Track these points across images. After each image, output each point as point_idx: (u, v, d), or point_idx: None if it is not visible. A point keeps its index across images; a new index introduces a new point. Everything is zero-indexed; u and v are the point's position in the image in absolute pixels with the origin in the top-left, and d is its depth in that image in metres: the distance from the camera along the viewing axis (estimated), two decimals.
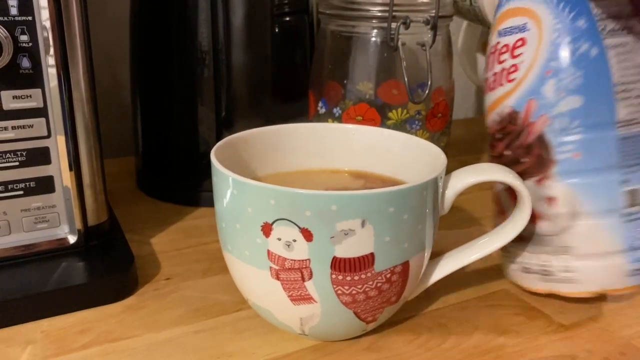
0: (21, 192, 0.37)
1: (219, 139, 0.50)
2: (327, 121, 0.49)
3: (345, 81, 0.48)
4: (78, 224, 0.39)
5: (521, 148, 0.36)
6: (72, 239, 0.39)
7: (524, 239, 0.37)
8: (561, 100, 0.34)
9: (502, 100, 0.37)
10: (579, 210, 0.34)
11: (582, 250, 0.35)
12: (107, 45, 0.61)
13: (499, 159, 0.37)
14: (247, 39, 0.45)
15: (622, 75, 0.34)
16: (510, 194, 0.37)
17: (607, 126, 0.34)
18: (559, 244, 0.35)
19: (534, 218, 0.35)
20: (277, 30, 0.50)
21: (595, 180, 0.34)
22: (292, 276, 0.29)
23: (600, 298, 0.38)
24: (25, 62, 0.35)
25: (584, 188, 0.34)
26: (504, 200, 0.38)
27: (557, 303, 0.38)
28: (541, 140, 0.35)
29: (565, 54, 0.34)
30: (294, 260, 0.29)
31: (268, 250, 0.29)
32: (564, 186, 0.34)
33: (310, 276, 0.29)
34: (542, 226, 0.36)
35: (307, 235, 0.28)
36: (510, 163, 0.36)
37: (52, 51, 0.35)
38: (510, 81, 0.36)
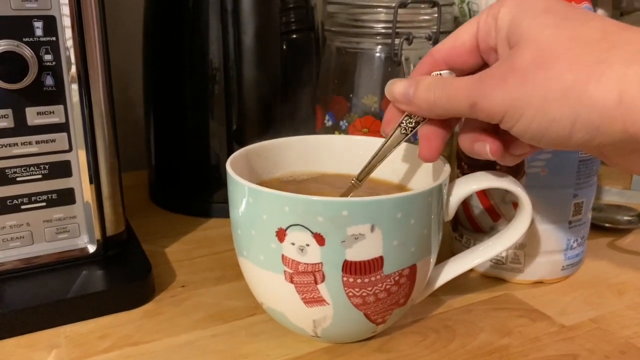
0: (44, 204, 0.39)
1: (230, 152, 0.52)
2: (334, 133, 0.51)
3: (350, 95, 0.50)
4: (97, 234, 0.40)
5: None
6: (91, 249, 0.41)
7: (482, 230, 0.42)
8: None
9: None
10: (535, 216, 0.40)
11: (531, 248, 0.41)
12: (119, 63, 0.63)
13: (472, 160, 0.40)
14: (256, 56, 0.47)
15: None
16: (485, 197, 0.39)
17: (573, 151, 0.38)
18: None
19: (497, 216, 0.41)
20: (284, 47, 0.52)
21: (554, 194, 0.40)
22: (306, 279, 0.31)
23: (537, 284, 0.42)
24: (49, 80, 0.37)
25: (544, 199, 0.40)
26: (501, 206, 0.40)
27: (559, 305, 0.39)
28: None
29: None
30: (307, 264, 0.30)
31: (282, 255, 0.30)
32: (528, 195, 0.36)
33: (323, 279, 0.30)
34: (503, 224, 0.40)
35: (320, 239, 0.29)
36: (485, 167, 0.38)
37: (74, 69, 0.37)
38: None
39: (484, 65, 0.31)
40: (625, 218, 0.53)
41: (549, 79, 0.25)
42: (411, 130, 0.32)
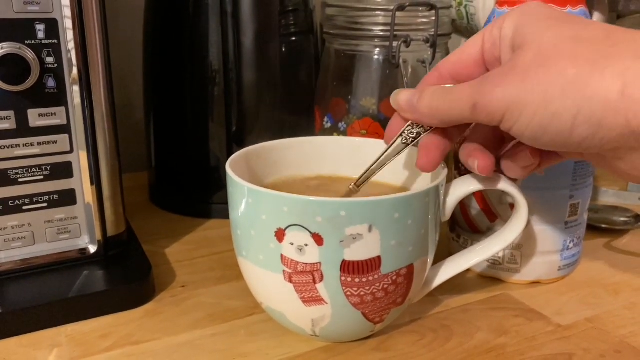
0: (45, 205, 0.39)
1: (229, 153, 0.52)
2: (332, 135, 0.52)
3: (349, 97, 0.51)
4: (98, 235, 0.41)
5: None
6: (92, 249, 0.41)
7: (479, 231, 0.42)
8: None
9: None
10: (532, 217, 0.40)
11: (528, 249, 0.41)
12: (120, 65, 0.64)
13: None
14: (256, 58, 0.48)
15: None
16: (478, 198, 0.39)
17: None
18: None
19: (494, 217, 0.41)
20: (284, 49, 0.52)
21: (550, 195, 0.40)
22: (304, 279, 0.31)
23: (533, 284, 0.43)
24: (51, 82, 0.37)
25: (540, 200, 0.40)
26: (497, 207, 0.40)
27: (555, 305, 0.40)
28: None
29: None
30: (306, 264, 0.31)
31: (281, 255, 0.31)
32: (525, 196, 0.36)
33: (321, 278, 0.31)
34: (500, 225, 0.40)
35: (318, 239, 0.30)
36: None
37: (75, 71, 0.37)
38: None
39: None
40: (622, 219, 0.53)
41: (551, 74, 0.26)
42: (412, 141, 0.33)
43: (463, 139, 0.34)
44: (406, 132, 0.33)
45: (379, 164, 0.34)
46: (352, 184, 0.35)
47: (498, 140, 0.34)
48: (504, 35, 0.29)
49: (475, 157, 0.32)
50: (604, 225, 0.52)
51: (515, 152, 0.32)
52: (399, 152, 0.34)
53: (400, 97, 0.32)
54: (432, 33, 0.48)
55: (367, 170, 0.35)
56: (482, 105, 0.28)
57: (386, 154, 0.34)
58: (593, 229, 0.51)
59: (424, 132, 0.32)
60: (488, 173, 0.32)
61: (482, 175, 0.35)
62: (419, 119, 0.32)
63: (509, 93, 0.27)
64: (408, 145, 0.33)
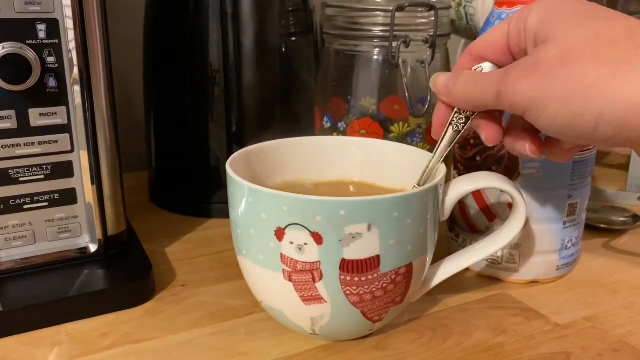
0: (46, 204, 0.39)
1: (229, 153, 0.52)
2: (332, 135, 0.52)
3: (349, 97, 0.51)
4: (99, 234, 0.41)
5: (493, 158, 0.40)
6: (93, 248, 0.41)
7: (478, 230, 0.42)
8: None
9: None
10: (530, 216, 0.40)
11: (527, 248, 0.42)
12: (119, 65, 0.64)
13: (468, 161, 0.41)
14: (256, 58, 0.48)
15: None
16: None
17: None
18: None
19: (492, 216, 0.41)
20: (284, 49, 0.52)
21: (549, 194, 0.40)
22: (304, 277, 0.31)
23: (532, 284, 0.43)
24: (52, 82, 0.37)
25: (539, 199, 0.40)
26: (496, 206, 0.41)
27: (554, 304, 0.40)
28: (512, 155, 0.39)
29: None
30: (306, 263, 0.31)
31: (281, 254, 0.31)
32: (524, 196, 0.36)
33: (321, 277, 0.31)
34: (498, 224, 0.40)
35: (318, 238, 0.30)
36: (480, 168, 0.40)
37: (76, 71, 0.38)
38: None
39: None
40: (620, 219, 0.53)
41: (572, 74, 0.26)
42: (463, 126, 0.33)
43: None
44: (455, 119, 0.33)
45: (437, 158, 0.34)
46: (415, 185, 0.35)
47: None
48: (529, 29, 0.30)
49: (524, 140, 0.32)
50: (602, 225, 0.52)
51: (516, 139, 0.32)
52: (453, 141, 0.34)
53: (439, 80, 0.33)
54: (432, 33, 0.48)
55: (426, 168, 0.35)
56: (506, 95, 0.28)
57: (442, 145, 0.34)
58: (591, 228, 0.51)
59: (472, 116, 0.33)
60: (539, 155, 0.32)
61: (481, 175, 0.35)
62: (453, 102, 0.33)
63: (532, 88, 0.27)
64: (460, 132, 0.33)
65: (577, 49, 0.26)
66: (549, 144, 0.33)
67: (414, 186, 0.35)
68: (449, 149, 0.34)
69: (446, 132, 0.34)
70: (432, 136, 0.35)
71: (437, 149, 0.34)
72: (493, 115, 0.33)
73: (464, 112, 0.33)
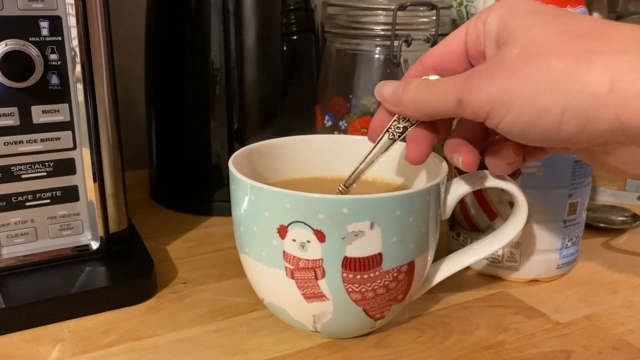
0: (48, 201, 0.39)
1: (230, 151, 0.52)
2: (333, 134, 0.52)
3: (350, 96, 0.51)
4: (100, 231, 0.41)
5: None
6: (94, 245, 0.41)
7: (479, 229, 0.43)
8: None
9: None
10: (531, 215, 0.40)
11: (527, 247, 0.42)
12: (121, 62, 0.64)
13: None
14: (257, 56, 0.48)
15: None
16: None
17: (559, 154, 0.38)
18: None
19: (493, 215, 0.41)
20: (285, 48, 0.52)
21: (549, 194, 0.41)
22: (306, 275, 0.31)
23: (532, 282, 0.43)
24: (54, 79, 0.37)
25: (540, 199, 0.40)
26: (497, 205, 0.41)
27: (554, 303, 0.40)
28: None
29: None
30: (308, 260, 0.31)
31: (284, 251, 0.31)
32: (524, 194, 0.36)
33: (323, 275, 0.31)
34: (499, 223, 0.40)
35: (320, 236, 0.30)
36: (482, 168, 0.39)
37: (79, 68, 0.38)
38: None
39: None
40: (620, 218, 0.54)
41: (539, 69, 0.25)
42: (399, 136, 0.32)
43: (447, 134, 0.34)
44: (392, 127, 0.32)
45: (367, 162, 0.34)
46: (341, 185, 0.35)
47: (483, 135, 0.33)
48: (488, 30, 0.29)
49: (460, 152, 0.32)
50: (602, 225, 0.52)
51: (499, 149, 0.32)
52: (386, 149, 0.33)
53: (385, 89, 0.32)
54: (433, 32, 0.48)
55: (355, 170, 0.34)
56: (468, 101, 0.27)
57: (374, 152, 0.33)
58: (591, 228, 0.51)
59: (410, 126, 0.32)
60: (472, 169, 0.32)
61: (483, 174, 0.35)
62: (403, 112, 0.32)
63: (496, 89, 0.26)
64: (395, 140, 0.33)
65: (540, 44, 0.26)
66: (492, 154, 0.32)
67: (339, 186, 0.35)
68: (380, 156, 0.33)
69: (381, 138, 0.33)
70: (368, 139, 0.34)
71: (369, 155, 0.34)
72: (432, 127, 0.32)
73: (403, 120, 0.32)
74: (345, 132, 0.51)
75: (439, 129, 0.33)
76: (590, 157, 0.29)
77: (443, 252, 0.39)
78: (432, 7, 0.47)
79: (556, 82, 0.25)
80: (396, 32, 0.47)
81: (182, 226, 0.52)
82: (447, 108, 0.29)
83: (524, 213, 0.36)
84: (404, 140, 0.33)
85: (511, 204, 0.40)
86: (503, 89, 0.26)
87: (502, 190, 0.39)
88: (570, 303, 0.40)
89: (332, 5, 0.51)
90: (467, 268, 0.41)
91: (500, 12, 0.29)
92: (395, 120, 0.32)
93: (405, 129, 0.32)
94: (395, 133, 0.32)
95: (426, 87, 0.30)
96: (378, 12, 0.48)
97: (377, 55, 0.50)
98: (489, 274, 0.43)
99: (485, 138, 0.33)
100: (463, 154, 0.32)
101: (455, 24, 0.60)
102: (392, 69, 0.49)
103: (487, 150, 0.33)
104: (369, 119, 0.50)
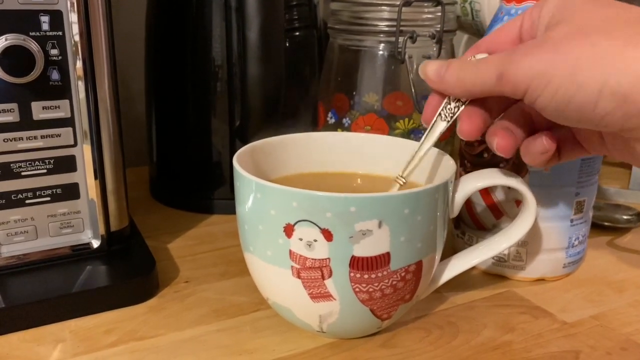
0: (48, 199, 0.39)
1: (232, 148, 0.52)
2: (337, 131, 0.51)
3: (353, 93, 0.50)
4: (101, 230, 0.40)
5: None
6: (95, 244, 0.41)
7: (484, 228, 0.42)
8: None
9: None
10: (537, 214, 0.39)
11: (534, 246, 0.41)
12: (119, 58, 0.63)
13: (475, 158, 0.41)
14: (260, 53, 0.47)
15: None
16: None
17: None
18: None
19: (499, 214, 0.41)
20: (287, 44, 0.52)
21: (556, 192, 0.40)
22: (313, 275, 0.31)
23: (538, 282, 0.43)
24: (55, 75, 0.37)
25: (546, 197, 0.40)
26: (503, 204, 0.40)
27: (560, 302, 0.40)
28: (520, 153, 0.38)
29: None
30: (315, 260, 0.30)
31: (290, 250, 0.31)
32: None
33: (330, 274, 0.31)
34: (505, 222, 0.41)
35: (328, 235, 0.30)
36: (487, 165, 0.39)
37: (80, 64, 0.37)
38: None
39: None
40: (624, 217, 0.53)
41: (583, 45, 0.26)
42: (451, 117, 0.32)
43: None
44: (445, 109, 0.32)
45: (424, 148, 0.34)
46: (399, 176, 0.34)
47: (527, 125, 0.33)
48: (543, 14, 0.29)
49: (497, 135, 0.32)
50: (606, 223, 0.52)
51: (534, 138, 0.32)
52: (441, 132, 0.33)
53: (428, 68, 0.32)
54: (438, 29, 0.48)
55: (412, 157, 0.34)
56: (508, 75, 0.28)
57: (429, 136, 0.33)
58: (596, 226, 0.51)
59: (462, 106, 0.32)
60: (506, 153, 0.32)
61: (491, 172, 0.35)
62: (446, 90, 0.32)
63: (537, 63, 0.27)
64: (449, 122, 0.32)
65: (590, 25, 0.26)
66: (527, 143, 0.32)
67: (397, 176, 0.34)
68: (436, 139, 0.33)
69: (435, 122, 0.33)
70: (422, 122, 0.34)
71: (424, 140, 0.34)
72: (481, 106, 0.32)
73: (454, 101, 0.32)
74: (348, 129, 0.51)
75: (492, 108, 0.32)
76: (621, 146, 0.29)
77: (448, 250, 0.39)
78: (437, 3, 0.47)
79: (599, 58, 0.25)
80: (401, 28, 0.46)
81: (183, 224, 0.51)
82: (488, 84, 0.29)
83: (533, 212, 0.35)
84: (455, 121, 0.32)
85: (518, 202, 0.40)
86: (544, 63, 0.27)
87: (509, 188, 0.39)
88: (576, 302, 0.40)
89: (336, 1, 0.51)
90: (473, 267, 0.40)
91: (557, 1, 0.29)
92: (446, 102, 0.32)
93: (457, 108, 0.32)
94: (447, 115, 0.32)
95: (469, 65, 0.31)
96: (382, 7, 0.48)
97: (380, 52, 0.49)
98: (494, 273, 0.43)
99: (531, 130, 0.33)
100: (499, 137, 0.32)
101: (459, 21, 0.59)
102: (396, 65, 0.49)
103: (523, 142, 0.33)
104: (373, 116, 0.50)
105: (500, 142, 0.32)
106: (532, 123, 0.33)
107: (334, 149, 0.41)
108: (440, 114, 0.33)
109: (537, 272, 0.42)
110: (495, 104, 0.32)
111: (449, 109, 0.32)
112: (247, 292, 0.40)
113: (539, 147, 0.32)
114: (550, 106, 0.27)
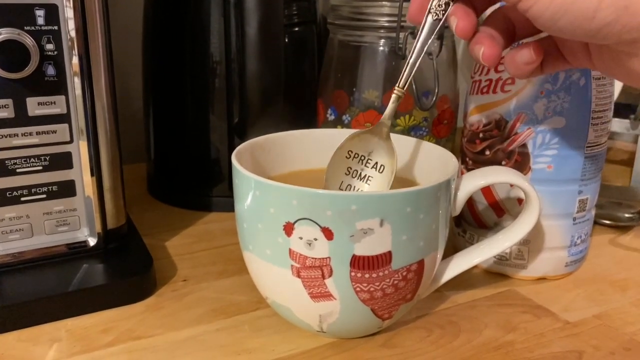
0: (44, 196, 0.38)
1: (230, 145, 0.51)
2: (336, 128, 0.51)
3: (353, 89, 0.50)
4: (98, 227, 0.40)
5: (502, 152, 0.39)
6: (92, 242, 0.40)
7: (486, 226, 0.42)
8: (548, 119, 0.38)
9: (493, 106, 0.39)
10: (540, 212, 0.38)
11: (536, 244, 0.41)
12: (118, 54, 0.62)
13: (476, 155, 0.41)
14: (259, 48, 0.47)
15: (598, 104, 0.38)
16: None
17: (579, 147, 0.39)
18: None
19: (501, 212, 0.41)
20: (286, 40, 0.51)
21: (559, 190, 0.40)
22: (313, 274, 0.30)
23: (540, 280, 0.42)
24: (51, 70, 0.36)
25: (549, 195, 0.39)
26: (505, 202, 0.40)
27: (563, 302, 0.39)
28: (522, 150, 0.39)
29: (559, 79, 0.37)
30: (315, 259, 0.30)
31: (290, 249, 0.30)
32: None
33: (330, 274, 0.30)
34: (507, 220, 0.40)
35: (328, 234, 0.29)
36: (489, 162, 0.39)
37: (76, 59, 0.36)
38: (505, 91, 0.39)
39: None
40: (626, 215, 0.53)
41: None
42: (443, 13, 0.31)
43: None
44: (434, 7, 0.31)
45: (418, 51, 0.32)
46: (397, 87, 0.33)
47: (510, 33, 0.32)
48: None
49: (483, 44, 0.30)
50: (608, 222, 0.51)
51: (520, 48, 0.31)
52: (433, 32, 0.31)
53: None
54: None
55: (406, 64, 0.32)
56: None
57: (422, 36, 0.31)
58: (597, 225, 0.50)
59: (452, 3, 0.31)
60: (491, 63, 0.31)
61: (493, 170, 0.34)
62: None
63: None
64: (440, 20, 0.31)
65: None
66: (512, 53, 0.31)
67: (395, 88, 0.33)
68: (430, 39, 0.32)
69: (425, 21, 0.31)
70: (408, 20, 0.33)
71: (417, 42, 0.32)
72: (472, 6, 0.31)
73: None
74: (348, 126, 0.50)
75: (477, 7, 0.31)
76: (608, 59, 0.28)
77: (449, 249, 0.38)
78: None
79: None
80: (402, 24, 0.46)
81: (181, 222, 0.51)
82: None
83: (536, 210, 0.35)
84: (446, 19, 0.31)
85: (520, 200, 0.39)
86: None
87: (511, 186, 0.38)
88: (579, 302, 0.40)
89: None
90: (474, 266, 0.40)
91: None
92: (434, 0, 0.31)
93: (447, 4, 0.31)
94: (438, 12, 0.31)
95: None
96: (383, 3, 0.47)
97: (381, 48, 0.49)
98: (496, 272, 0.42)
99: (511, 38, 0.32)
100: (486, 46, 0.30)
101: None
102: (397, 61, 0.48)
103: (508, 51, 0.32)
104: (374, 113, 0.49)
105: (487, 51, 0.30)
106: (514, 31, 0.32)
107: (334, 146, 0.40)
108: (430, 11, 0.31)
109: (539, 270, 0.41)
110: (480, 3, 0.31)
111: (439, 5, 0.31)
112: (246, 291, 0.39)
113: (525, 57, 0.31)
114: (545, 15, 0.26)
